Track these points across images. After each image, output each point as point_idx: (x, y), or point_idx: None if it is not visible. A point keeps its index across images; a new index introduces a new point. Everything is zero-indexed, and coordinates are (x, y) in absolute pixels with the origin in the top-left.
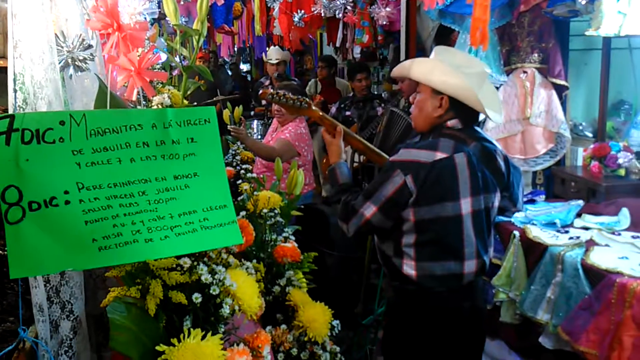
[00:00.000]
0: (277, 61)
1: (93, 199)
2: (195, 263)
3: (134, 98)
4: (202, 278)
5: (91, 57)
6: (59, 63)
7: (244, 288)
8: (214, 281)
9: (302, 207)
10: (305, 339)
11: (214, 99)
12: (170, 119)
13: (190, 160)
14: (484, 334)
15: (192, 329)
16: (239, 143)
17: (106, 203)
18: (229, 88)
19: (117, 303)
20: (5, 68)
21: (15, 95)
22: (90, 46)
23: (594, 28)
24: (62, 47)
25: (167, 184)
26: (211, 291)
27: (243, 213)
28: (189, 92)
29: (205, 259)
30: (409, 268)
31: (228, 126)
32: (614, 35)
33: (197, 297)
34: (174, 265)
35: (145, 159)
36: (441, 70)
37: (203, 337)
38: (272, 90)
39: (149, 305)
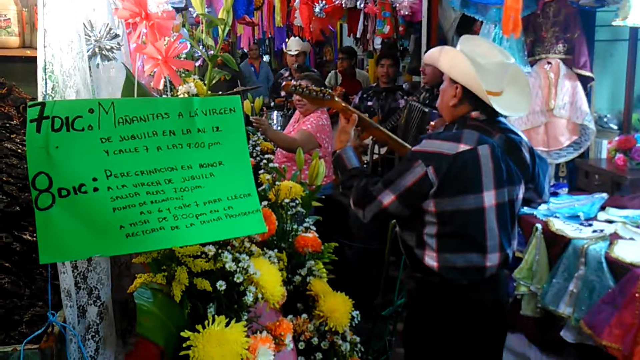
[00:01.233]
0: (297, 52)
1: (121, 186)
2: (219, 251)
3: (160, 87)
4: (227, 266)
5: (118, 46)
6: (87, 52)
7: (267, 276)
8: (238, 269)
9: (323, 197)
10: (326, 328)
11: (235, 89)
12: (196, 108)
13: (215, 149)
14: (506, 327)
15: (216, 316)
16: (259, 134)
17: (133, 190)
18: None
19: (143, 289)
20: (34, 57)
21: (45, 84)
22: (117, 35)
23: (621, 18)
24: (90, 36)
25: (192, 172)
26: (235, 279)
27: (265, 203)
28: (213, 82)
29: (229, 248)
30: (431, 259)
31: (250, 117)
32: None
33: (221, 285)
34: (199, 253)
35: (172, 147)
36: (457, 59)
37: (227, 324)
38: (294, 82)
39: (175, 291)
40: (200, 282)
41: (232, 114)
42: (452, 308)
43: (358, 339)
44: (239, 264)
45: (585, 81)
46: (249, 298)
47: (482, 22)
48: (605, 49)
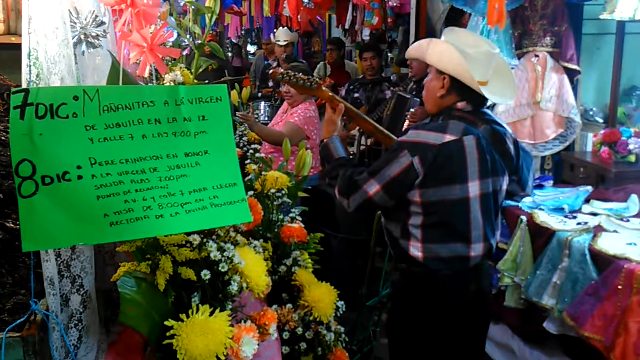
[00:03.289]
0: (285, 42)
1: (105, 174)
2: (204, 240)
3: (146, 75)
4: (211, 255)
5: (104, 33)
6: (72, 39)
7: (252, 266)
8: (223, 258)
9: (309, 188)
10: (311, 318)
11: (222, 79)
12: (182, 97)
13: (201, 138)
14: (489, 317)
15: (200, 305)
16: (246, 124)
17: (118, 179)
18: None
19: (127, 277)
20: (18, 45)
21: (29, 71)
22: (102, 23)
23: (608, 11)
24: (75, 23)
25: (178, 161)
26: (220, 268)
27: (251, 193)
28: (200, 71)
29: (214, 237)
30: (416, 250)
31: (237, 113)
32: (629, 19)
33: (205, 274)
34: (184, 242)
35: (157, 136)
36: (447, 51)
37: (211, 314)
38: (282, 70)
39: (159, 280)
40: (184, 271)
41: (218, 103)
42: (436, 298)
43: (342, 329)
44: (224, 254)
45: (571, 74)
46: (234, 287)
47: (470, 15)
48: (592, 43)
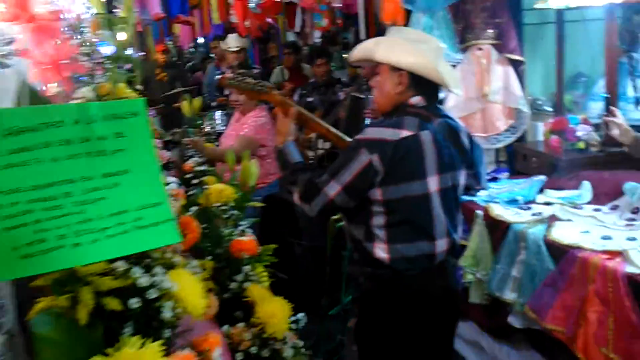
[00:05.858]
0: (237, 49)
1: (11, 204)
2: (128, 267)
3: (51, 94)
4: (138, 282)
5: (13, 52)
6: None
7: (188, 289)
8: (151, 285)
9: (269, 196)
10: (265, 335)
11: (174, 90)
12: (94, 114)
13: (119, 157)
14: (458, 313)
15: (134, 336)
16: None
17: (27, 207)
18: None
19: (43, 315)
20: None
21: None
22: (12, 41)
23: (543, 1)
24: None
25: (94, 183)
26: (147, 296)
27: (195, 208)
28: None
29: (148, 260)
30: (381, 251)
31: (183, 139)
32: (565, 7)
33: (133, 303)
34: (107, 270)
35: (69, 158)
36: (402, 47)
37: (144, 344)
38: (230, 75)
39: (80, 314)
40: (108, 301)
41: (135, 118)
42: (404, 299)
43: (302, 343)
44: (152, 279)
45: (516, 65)
46: (167, 314)
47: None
48: (535, 32)
